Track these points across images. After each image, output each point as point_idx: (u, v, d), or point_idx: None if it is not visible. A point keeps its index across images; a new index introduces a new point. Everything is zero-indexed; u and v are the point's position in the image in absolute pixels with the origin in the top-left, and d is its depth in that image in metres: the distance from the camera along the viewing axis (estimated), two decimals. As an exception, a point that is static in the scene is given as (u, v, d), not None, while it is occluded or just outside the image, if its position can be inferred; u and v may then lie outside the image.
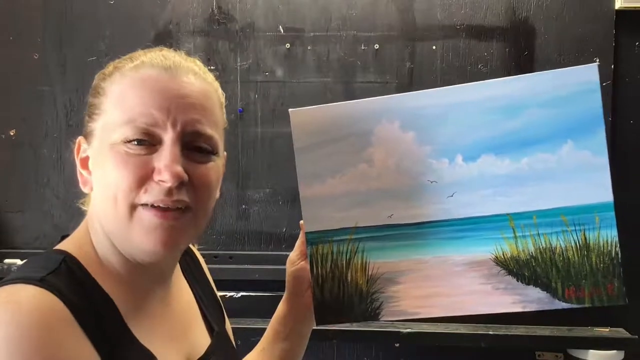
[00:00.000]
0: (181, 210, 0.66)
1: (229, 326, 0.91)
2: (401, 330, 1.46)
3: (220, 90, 0.74)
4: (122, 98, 0.66)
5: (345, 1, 1.54)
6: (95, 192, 0.69)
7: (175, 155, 0.65)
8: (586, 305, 0.78)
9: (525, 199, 0.79)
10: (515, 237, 0.79)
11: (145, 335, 0.68)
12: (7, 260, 1.54)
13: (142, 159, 0.64)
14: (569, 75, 0.77)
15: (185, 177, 0.65)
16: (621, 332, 1.48)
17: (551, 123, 0.77)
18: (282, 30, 1.56)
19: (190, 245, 0.90)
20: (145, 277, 0.71)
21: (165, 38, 1.55)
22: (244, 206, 1.58)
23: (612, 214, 0.77)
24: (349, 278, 0.84)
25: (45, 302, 0.58)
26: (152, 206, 0.64)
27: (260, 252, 1.58)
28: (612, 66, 1.50)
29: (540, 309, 0.79)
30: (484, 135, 0.79)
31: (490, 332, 1.46)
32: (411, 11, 1.53)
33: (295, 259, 0.89)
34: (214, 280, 0.93)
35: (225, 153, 0.75)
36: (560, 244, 0.79)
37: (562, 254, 0.79)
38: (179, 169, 0.64)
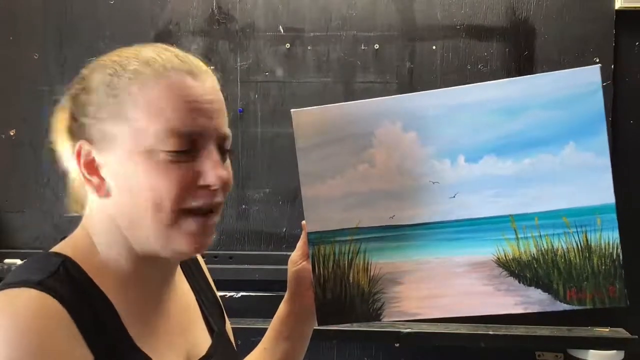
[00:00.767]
0: (212, 211, 0.68)
1: (229, 327, 0.91)
2: (401, 330, 1.46)
3: None
4: (156, 107, 0.65)
5: (345, 1, 1.54)
6: (117, 198, 0.67)
7: (218, 160, 0.67)
8: (587, 306, 0.78)
9: (527, 200, 0.79)
10: (517, 238, 0.79)
11: (144, 337, 0.68)
12: (7, 260, 1.54)
13: (186, 166, 0.65)
14: (571, 76, 0.77)
15: (230, 180, 0.68)
16: (621, 332, 1.48)
17: (553, 124, 0.77)
18: (282, 30, 1.56)
19: None
20: (151, 278, 0.71)
21: (165, 38, 1.55)
22: (244, 206, 1.58)
23: (614, 215, 0.77)
24: (350, 278, 0.84)
25: (45, 306, 0.58)
26: (194, 211, 0.66)
27: (260, 252, 1.58)
28: (612, 66, 1.50)
29: (542, 311, 0.79)
30: (486, 136, 0.79)
31: (490, 332, 1.46)
32: (411, 11, 1.54)
33: (297, 259, 0.89)
34: (214, 280, 0.93)
35: None
36: (562, 245, 0.79)
37: (564, 255, 0.79)
38: (224, 172, 0.67)
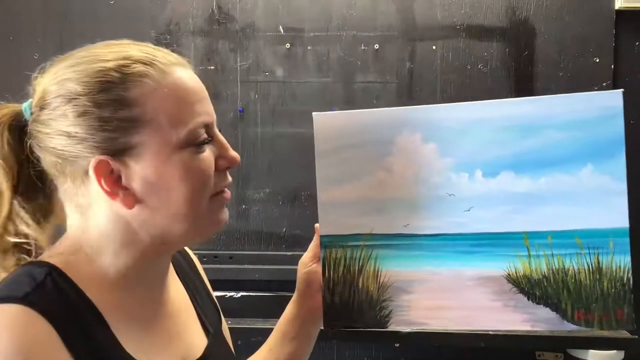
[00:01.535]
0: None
1: (226, 328, 0.91)
2: (401, 330, 1.46)
3: None
4: (171, 105, 0.66)
5: (345, 1, 1.54)
6: (149, 202, 0.66)
7: (226, 141, 0.73)
8: (595, 328, 0.79)
9: (542, 218, 0.79)
10: (529, 255, 0.80)
11: (136, 344, 0.68)
12: (7, 260, 1.54)
13: (207, 154, 0.69)
14: (594, 99, 0.78)
15: None
16: (621, 332, 1.48)
17: (572, 145, 0.78)
18: (282, 30, 1.56)
19: (186, 247, 0.90)
20: (141, 283, 0.71)
21: (165, 38, 1.55)
22: (244, 206, 1.58)
23: (627, 239, 0.77)
24: (360, 284, 0.84)
25: (29, 323, 0.58)
26: (217, 193, 0.71)
27: (260, 252, 1.58)
28: (612, 66, 1.50)
29: (549, 329, 0.80)
30: (505, 152, 0.79)
31: (490, 332, 1.46)
32: (411, 11, 1.53)
33: (307, 261, 0.89)
34: (214, 281, 0.93)
35: None
36: (573, 266, 0.79)
37: (575, 276, 0.79)
38: (236, 152, 0.73)
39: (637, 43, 1.52)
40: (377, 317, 0.84)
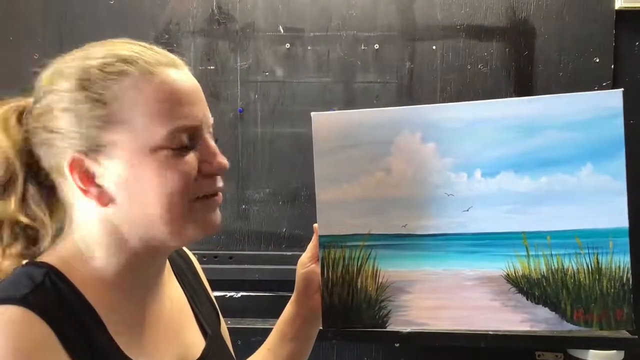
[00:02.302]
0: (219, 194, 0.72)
1: (225, 329, 0.91)
2: (401, 330, 1.46)
3: None
4: (152, 105, 0.64)
5: (345, 1, 1.54)
6: (123, 202, 0.66)
7: (216, 147, 0.70)
8: (594, 328, 0.79)
9: (541, 218, 0.79)
10: (528, 255, 0.80)
11: (133, 345, 0.68)
12: (7, 260, 1.54)
13: (189, 158, 0.67)
14: (594, 99, 0.78)
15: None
16: (621, 332, 1.47)
17: (572, 145, 0.78)
18: (282, 30, 1.56)
19: (184, 248, 0.90)
20: (141, 281, 0.71)
21: (165, 38, 1.55)
22: (244, 206, 1.58)
23: (626, 239, 0.77)
24: (358, 284, 0.84)
25: (26, 324, 0.58)
26: (201, 197, 0.68)
27: (260, 252, 1.58)
28: (612, 66, 1.50)
29: (548, 329, 0.80)
30: (505, 152, 0.79)
31: (490, 332, 1.46)
32: (411, 11, 1.53)
33: (306, 262, 0.89)
34: (214, 281, 0.93)
35: None
36: (572, 265, 0.79)
37: (574, 276, 0.79)
38: (224, 159, 0.70)
39: (637, 43, 1.52)
40: (376, 317, 0.84)
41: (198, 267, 0.92)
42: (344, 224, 0.84)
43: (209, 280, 0.93)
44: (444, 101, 1.52)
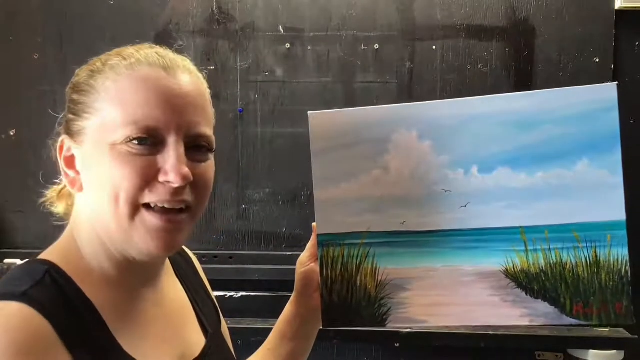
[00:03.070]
0: (181, 210, 0.66)
1: (225, 328, 0.91)
2: (401, 330, 1.46)
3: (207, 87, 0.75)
4: (122, 97, 0.65)
5: (345, 1, 1.54)
6: (88, 192, 0.68)
7: (181, 155, 0.65)
8: (593, 322, 0.78)
9: (539, 213, 0.79)
10: (527, 250, 0.80)
11: (133, 341, 0.68)
12: (7, 260, 1.54)
13: (146, 159, 0.64)
14: (588, 92, 0.77)
15: (191, 177, 0.65)
16: (621, 332, 1.48)
17: (568, 139, 0.77)
18: (282, 30, 1.56)
19: (184, 247, 0.90)
20: (136, 279, 0.71)
21: (165, 38, 1.55)
22: (244, 206, 1.58)
23: (624, 232, 0.77)
24: (358, 282, 0.84)
25: (27, 321, 0.58)
26: (155, 207, 0.65)
27: (260, 252, 1.58)
28: (612, 66, 1.50)
29: (548, 324, 0.80)
30: (501, 148, 0.79)
31: (490, 332, 1.46)
32: (411, 11, 1.53)
33: (305, 261, 0.89)
34: (214, 281, 0.93)
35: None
36: (570, 259, 0.78)
37: (572, 269, 0.79)
38: (186, 169, 0.64)
39: (637, 43, 1.52)
40: (375, 314, 0.84)
41: (198, 266, 0.92)
42: (343, 222, 0.84)
43: (209, 280, 0.93)
44: (444, 101, 1.51)
